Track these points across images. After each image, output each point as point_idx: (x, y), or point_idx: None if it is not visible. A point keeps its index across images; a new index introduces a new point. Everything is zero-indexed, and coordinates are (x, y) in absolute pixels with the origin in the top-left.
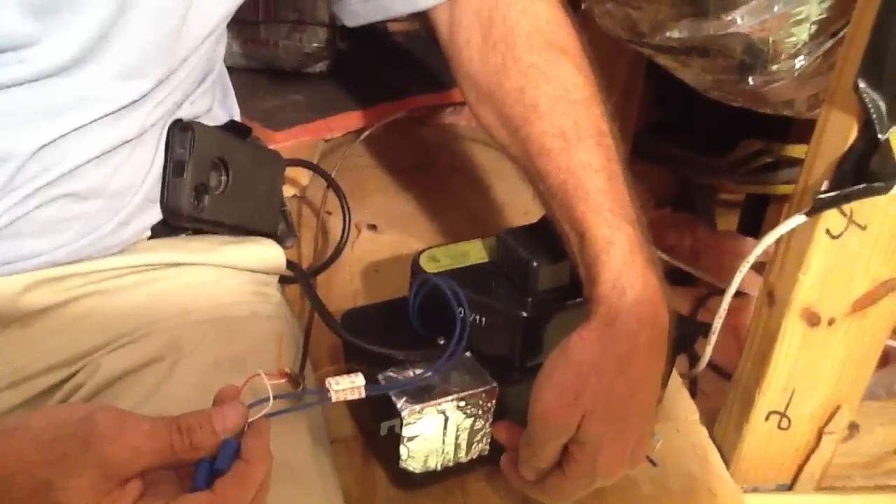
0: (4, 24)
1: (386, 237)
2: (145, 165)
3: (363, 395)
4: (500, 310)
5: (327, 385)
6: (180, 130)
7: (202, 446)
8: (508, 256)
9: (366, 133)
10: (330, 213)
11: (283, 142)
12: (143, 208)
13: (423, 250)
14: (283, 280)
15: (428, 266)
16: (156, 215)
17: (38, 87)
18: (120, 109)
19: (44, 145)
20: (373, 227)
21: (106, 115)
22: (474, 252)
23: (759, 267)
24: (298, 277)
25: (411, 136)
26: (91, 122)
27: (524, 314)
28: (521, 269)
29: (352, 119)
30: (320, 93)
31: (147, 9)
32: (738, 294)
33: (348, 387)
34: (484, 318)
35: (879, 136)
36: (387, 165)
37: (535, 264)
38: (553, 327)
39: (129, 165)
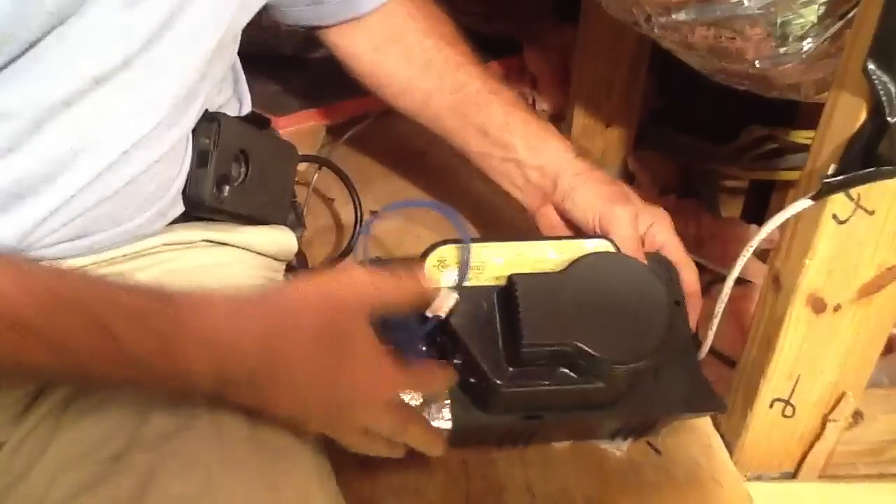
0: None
1: (390, 222)
2: (179, 158)
3: None
4: (478, 367)
5: None
6: (206, 121)
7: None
8: (508, 308)
9: (369, 119)
10: (333, 200)
11: (285, 128)
12: (177, 200)
13: (435, 246)
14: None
15: (434, 271)
16: (181, 206)
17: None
18: (180, 103)
19: (124, 151)
20: (375, 213)
21: (174, 108)
22: (489, 267)
23: (763, 255)
24: (299, 268)
25: (415, 122)
26: (157, 126)
27: (499, 382)
28: (515, 331)
29: (354, 105)
30: (322, 79)
31: None
32: (743, 282)
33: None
34: (463, 365)
35: (889, 119)
36: (390, 152)
37: (524, 342)
38: (532, 400)
39: (172, 159)
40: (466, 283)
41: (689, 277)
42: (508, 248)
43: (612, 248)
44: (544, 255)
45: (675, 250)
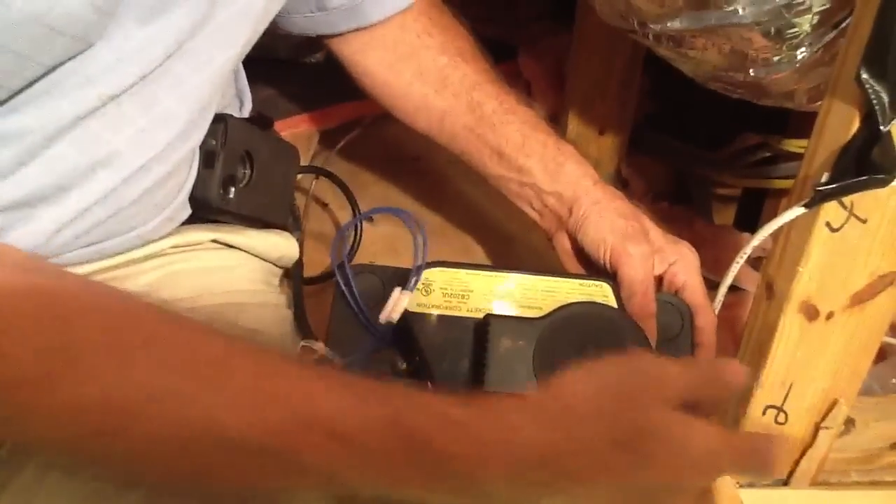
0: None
1: (382, 229)
2: (189, 164)
3: None
4: None
5: None
6: (212, 122)
7: None
8: (479, 346)
9: (363, 124)
10: (327, 205)
11: (279, 132)
12: (185, 203)
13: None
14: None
15: (417, 294)
16: (189, 209)
17: (139, 91)
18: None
19: (141, 165)
20: (369, 219)
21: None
22: (475, 297)
23: (756, 263)
24: (294, 275)
25: (409, 127)
26: (174, 139)
27: None
28: (480, 373)
29: (348, 109)
30: (317, 82)
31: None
32: (736, 289)
33: None
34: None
35: (881, 127)
36: (384, 157)
37: (486, 387)
38: None
39: (183, 167)
40: (448, 312)
41: (704, 326)
42: (497, 279)
43: (608, 293)
44: (533, 292)
45: (693, 294)
